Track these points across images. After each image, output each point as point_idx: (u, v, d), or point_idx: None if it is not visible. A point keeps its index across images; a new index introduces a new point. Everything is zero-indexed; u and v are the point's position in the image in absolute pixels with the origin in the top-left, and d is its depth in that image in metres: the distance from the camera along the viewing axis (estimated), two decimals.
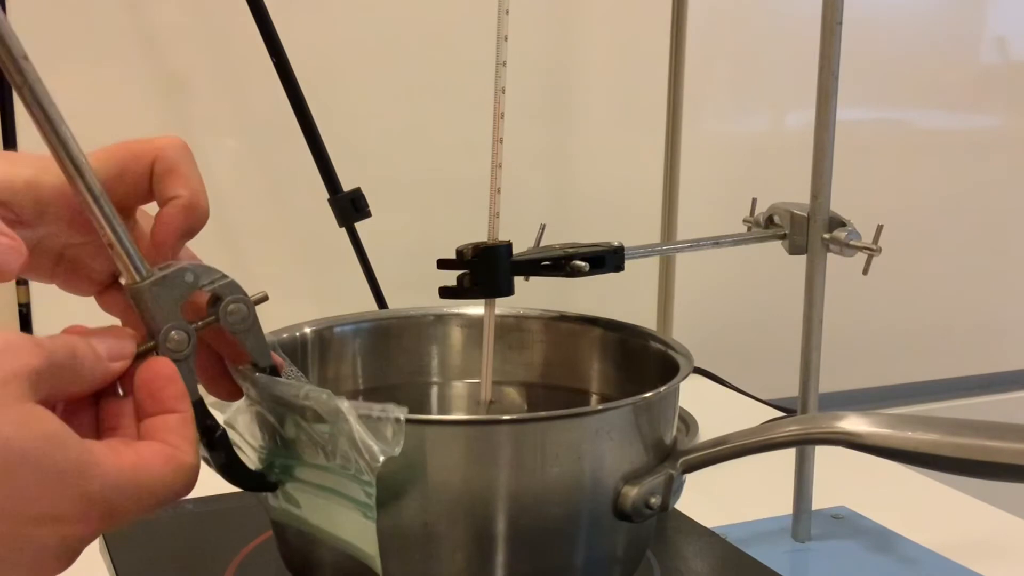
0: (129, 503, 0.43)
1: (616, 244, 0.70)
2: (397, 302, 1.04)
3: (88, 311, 0.54)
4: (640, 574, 0.64)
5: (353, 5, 1.16)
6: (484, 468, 0.55)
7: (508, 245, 0.66)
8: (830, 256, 0.79)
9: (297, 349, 0.68)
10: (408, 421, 0.54)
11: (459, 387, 0.74)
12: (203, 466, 0.48)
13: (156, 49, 1.10)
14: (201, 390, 0.51)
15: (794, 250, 0.80)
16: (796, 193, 0.81)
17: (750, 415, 1.12)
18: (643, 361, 0.68)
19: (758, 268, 1.25)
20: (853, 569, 0.82)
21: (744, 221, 0.82)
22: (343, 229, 1.05)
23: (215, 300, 0.51)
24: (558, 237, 0.71)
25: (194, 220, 0.50)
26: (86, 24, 1.07)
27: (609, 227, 0.89)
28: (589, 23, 1.26)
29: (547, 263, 0.68)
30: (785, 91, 1.35)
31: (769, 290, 1.27)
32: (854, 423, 0.59)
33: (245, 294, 0.51)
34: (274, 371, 0.53)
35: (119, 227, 0.47)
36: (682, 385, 0.61)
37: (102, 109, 1.06)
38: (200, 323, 0.50)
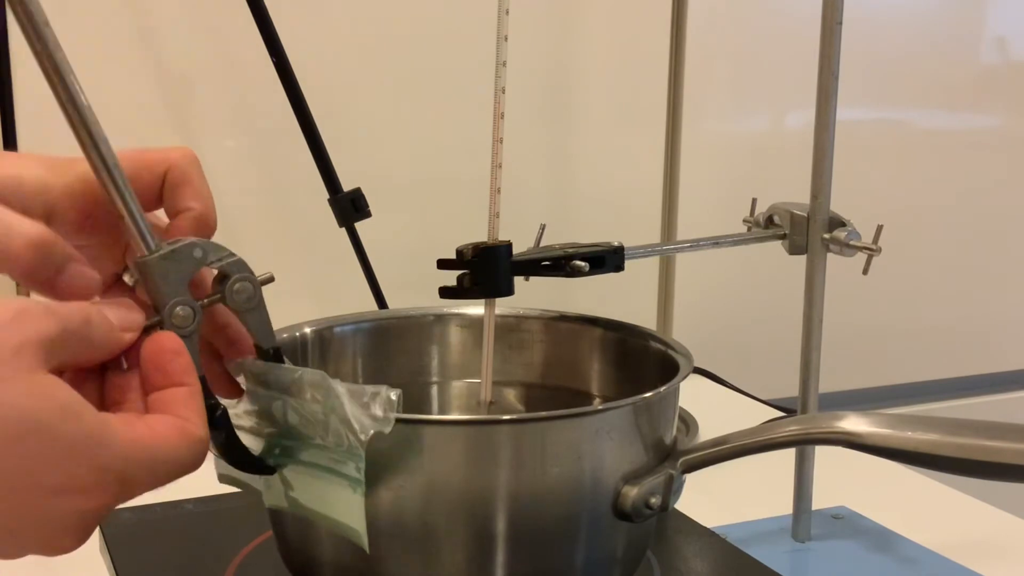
0: (143, 474, 0.44)
1: (616, 244, 0.70)
2: (397, 302, 1.04)
3: None
4: (640, 574, 0.64)
5: (353, 5, 1.16)
6: (484, 468, 0.55)
7: (508, 245, 0.66)
8: (830, 256, 0.79)
9: (297, 349, 0.68)
10: (408, 421, 0.54)
11: (459, 387, 0.74)
12: (202, 466, 0.48)
13: (156, 49, 1.10)
14: None
15: (794, 250, 0.80)
16: (796, 193, 0.81)
17: (750, 415, 1.12)
18: (643, 361, 0.68)
19: (758, 268, 1.25)
20: (853, 569, 0.82)
21: (744, 221, 0.82)
22: (343, 229, 1.05)
23: (222, 278, 0.51)
24: (558, 237, 0.71)
25: (205, 232, 0.51)
26: (86, 24, 1.07)
27: (609, 227, 0.89)
28: (589, 23, 1.26)
29: (547, 263, 0.68)
30: (785, 91, 1.35)
31: (769, 290, 1.27)
32: (854, 423, 0.59)
33: (252, 273, 0.51)
34: (278, 353, 0.53)
35: (131, 199, 0.47)
36: (682, 385, 0.61)
37: (102, 109, 1.06)
38: (206, 300, 0.50)
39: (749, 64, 1.34)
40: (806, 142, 0.79)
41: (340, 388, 0.49)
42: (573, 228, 1.03)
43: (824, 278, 0.79)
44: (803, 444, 0.80)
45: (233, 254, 0.51)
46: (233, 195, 1.12)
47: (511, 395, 0.73)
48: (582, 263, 0.68)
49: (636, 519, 0.58)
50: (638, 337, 0.70)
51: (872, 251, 0.76)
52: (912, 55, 1.41)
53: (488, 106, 0.65)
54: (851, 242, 0.77)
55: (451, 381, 0.74)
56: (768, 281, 1.23)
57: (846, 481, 0.92)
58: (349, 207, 1.04)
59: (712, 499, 0.84)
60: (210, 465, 0.55)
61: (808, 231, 0.79)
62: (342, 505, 0.52)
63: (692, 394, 0.72)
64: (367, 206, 1.04)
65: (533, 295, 0.71)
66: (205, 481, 0.55)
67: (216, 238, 0.51)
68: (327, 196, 1.04)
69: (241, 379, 0.55)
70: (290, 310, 0.65)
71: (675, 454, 0.61)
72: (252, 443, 0.55)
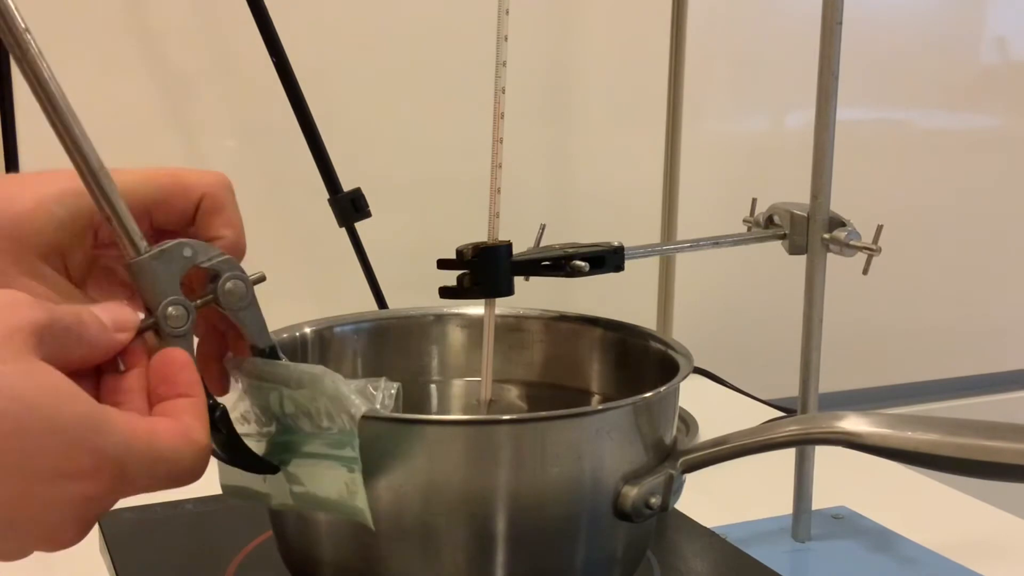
0: (141, 468, 0.43)
1: (616, 244, 0.70)
2: (397, 302, 1.04)
3: None
4: (640, 574, 0.64)
5: (353, 5, 1.16)
6: (484, 468, 0.55)
7: (508, 245, 0.66)
8: (830, 256, 0.79)
9: (297, 349, 0.68)
10: (408, 421, 0.54)
11: (459, 387, 0.74)
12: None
13: (156, 49, 1.10)
14: None
15: (794, 250, 0.80)
16: (796, 193, 0.81)
17: (750, 415, 1.12)
18: (643, 361, 0.68)
19: (758, 268, 1.25)
20: (853, 569, 0.82)
21: (744, 221, 0.82)
22: (343, 229, 1.05)
23: (213, 277, 0.51)
24: (558, 237, 0.71)
25: (237, 258, 0.52)
26: (86, 24, 1.07)
27: (609, 227, 0.89)
28: (589, 23, 1.26)
29: (547, 263, 0.68)
30: (785, 91, 1.35)
31: (769, 290, 1.27)
32: (854, 423, 0.59)
33: (243, 271, 0.51)
34: (273, 351, 0.53)
35: (118, 202, 0.47)
36: (682, 385, 0.61)
37: (103, 109, 1.06)
38: (199, 301, 0.50)
39: (749, 64, 1.34)
40: (806, 142, 0.79)
41: (336, 376, 0.50)
42: (573, 228, 1.03)
43: (824, 278, 0.79)
44: (803, 444, 0.80)
45: (223, 253, 0.51)
46: None
47: (511, 395, 0.73)
48: (582, 263, 0.68)
49: (636, 519, 0.58)
50: (638, 337, 0.70)
51: (872, 251, 0.76)
52: (912, 55, 1.41)
53: (488, 106, 0.65)
54: (851, 242, 0.77)
55: (451, 381, 0.74)
56: (768, 281, 1.23)
57: (846, 481, 0.92)
58: (349, 207, 1.04)
59: (712, 499, 0.84)
60: (212, 463, 0.55)
61: (808, 231, 0.79)
62: (342, 487, 0.52)
63: (692, 394, 0.72)
64: (367, 206, 1.04)
65: (533, 295, 0.71)
66: (205, 481, 0.55)
67: None
68: (327, 196, 1.04)
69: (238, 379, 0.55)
70: (290, 310, 0.65)
71: (675, 454, 0.61)
72: (253, 446, 0.55)
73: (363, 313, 0.74)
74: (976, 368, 1.52)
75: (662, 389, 0.59)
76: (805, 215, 0.79)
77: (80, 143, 0.46)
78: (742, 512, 0.89)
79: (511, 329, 0.73)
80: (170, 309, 0.48)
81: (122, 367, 0.47)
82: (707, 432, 1.05)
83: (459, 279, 0.67)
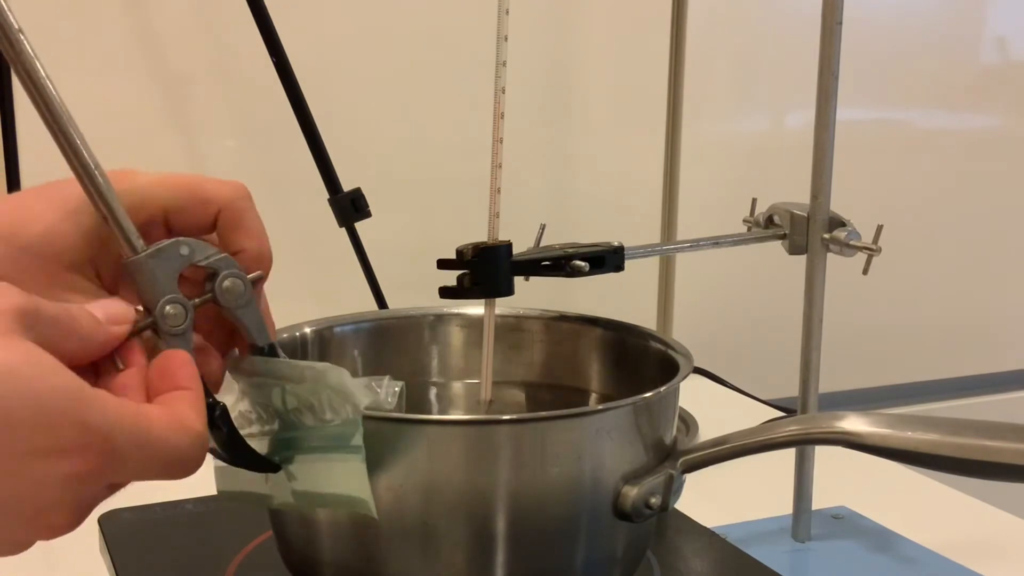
0: (131, 447, 0.42)
1: (616, 244, 0.70)
2: (397, 302, 1.04)
3: None
4: (640, 574, 0.64)
5: (353, 5, 1.16)
6: (484, 468, 0.55)
7: (508, 245, 0.66)
8: (830, 256, 0.79)
9: (297, 349, 0.68)
10: (408, 421, 0.54)
11: (459, 387, 0.74)
12: (203, 466, 0.48)
13: (157, 50, 1.10)
14: None
15: (794, 250, 0.80)
16: (796, 193, 0.81)
17: (750, 415, 1.12)
18: (643, 361, 0.68)
19: (758, 268, 1.25)
20: (853, 569, 0.82)
21: (744, 221, 0.82)
22: (343, 229, 1.05)
23: (211, 275, 0.51)
24: (558, 237, 0.71)
25: (263, 267, 0.52)
26: (86, 25, 1.07)
27: (609, 227, 0.89)
28: (589, 23, 1.26)
29: (547, 263, 0.68)
30: (785, 91, 1.35)
31: (769, 290, 1.27)
32: (854, 423, 0.59)
33: (241, 269, 0.51)
34: (272, 349, 0.53)
35: (113, 202, 0.47)
36: (682, 385, 0.61)
37: (103, 110, 1.06)
38: (198, 300, 0.50)
39: (749, 64, 1.34)
40: (806, 142, 0.79)
41: (342, 370, 0.50)
42: (573, 228, 1.03)
43: (824, 278, 0.79)
44: (803, 444, 0.80)
45: (221, 251, 0.51)
46: None
47: (511, 395, 0.73)
48: (582, 263, 0.68)
49: (636, 519, 0.58)
50: (638, 337, 0.70)
51: (872, 251, 0.76)
52: (912, 55, 1.41)
53: (488, 106, 0.65)
54: (851, 242, 0.77)
55: (451, 381, 0.74)
56: (768, 281, 1.24)
57: (846, 481, 0.92)
58: (349, 207, 1.04)
59: (712, 499, 0.84)
60: (210, 465, 0.55)
61: (808, 231, 0.78)
62: (345, 478, 0.52)
63: (692, 394, 0.72)
64: (367, 206, 1.04)
65: (533, 295, 0.71)
66: (205, 481, 0.55)
67: None
68: (327, 196, 1.04)
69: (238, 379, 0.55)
70: (290, 310, 0.65)
71: (675, 454, 0.61)
72: (255, 446, 0.55)
73: (363, 313, 0.74)
74: (976, 368, 1.52)
75: (662, 389, 0.59)
76: (805, 215, 0.79)
77: (73, 141, 0.46)
78: (742, 512, 0.89)
79: (511, 329, 0.73)
80: (168, 308, 0.48)
81: (120, 365, 0.47)
82: (707, 432, 1.05)
83: (459, 279, 0.67)
